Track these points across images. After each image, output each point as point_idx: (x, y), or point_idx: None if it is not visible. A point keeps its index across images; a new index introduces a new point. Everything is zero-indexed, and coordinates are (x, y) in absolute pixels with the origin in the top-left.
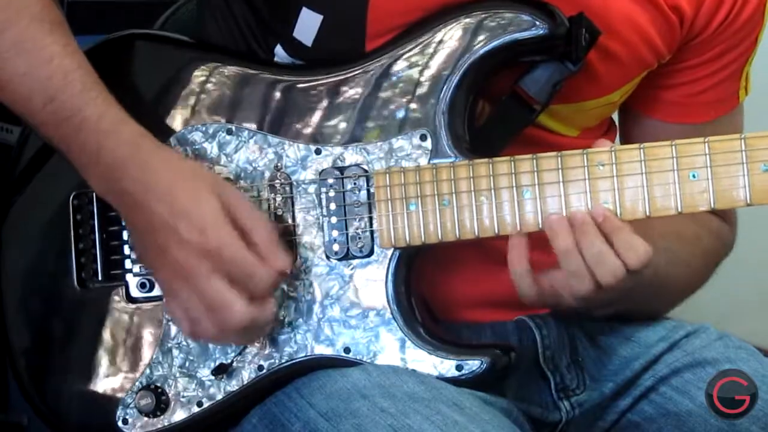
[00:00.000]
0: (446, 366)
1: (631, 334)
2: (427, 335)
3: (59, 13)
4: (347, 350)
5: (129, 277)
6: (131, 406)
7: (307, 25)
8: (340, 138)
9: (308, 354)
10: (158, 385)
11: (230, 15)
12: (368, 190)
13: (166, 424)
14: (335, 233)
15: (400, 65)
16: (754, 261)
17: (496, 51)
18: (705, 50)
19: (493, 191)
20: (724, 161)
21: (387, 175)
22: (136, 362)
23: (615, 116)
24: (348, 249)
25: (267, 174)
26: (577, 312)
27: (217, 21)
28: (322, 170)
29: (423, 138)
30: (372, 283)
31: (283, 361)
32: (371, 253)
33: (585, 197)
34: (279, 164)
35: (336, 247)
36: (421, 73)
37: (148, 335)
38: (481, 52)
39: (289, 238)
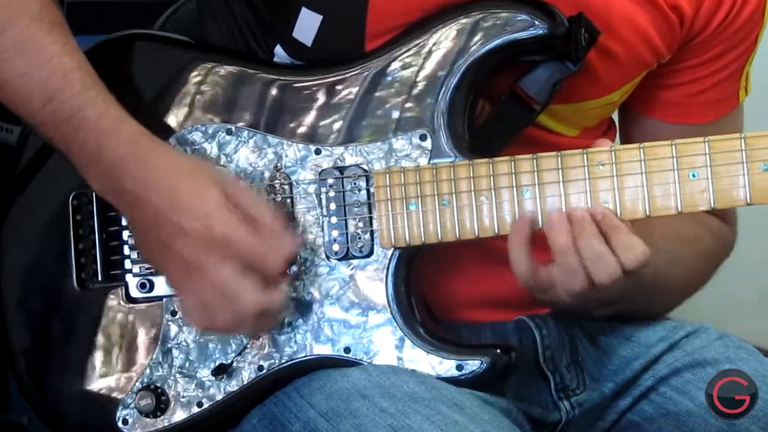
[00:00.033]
0: (446, 366)
1: (631, 334)
2: (427, 335)
3: (59, 13)
4: (347, 350)
5: (129, 277)
6: (131, 406)
7: (307, 25)
8: (339, 138)
9: (308, 354)
10: (158, 385)
11: (230, 15)
12: (368, 190)
13: (166, 424)
14: (335, 233)
15: (399, 65)
16: (754, 261)
17: (496, 51)
18: (705, 50)
19: (493, 191)
20: (724, 161)
21: (387, 175)
22: (136, 362)
23: (615, 116)
24: (348, 249)
25: (267, 174)
26: (577, 312)
27: (217, 21)
28: (322, 170)
29: (423, 138)
30: (372, 283)
31: (283, 361)
32: (371, 253)
33: (585, 197)
34: (279, 164)
35: (336, 247)
36: (420, 73)
37: (147, 336)
38: (481, 51)
39: None
